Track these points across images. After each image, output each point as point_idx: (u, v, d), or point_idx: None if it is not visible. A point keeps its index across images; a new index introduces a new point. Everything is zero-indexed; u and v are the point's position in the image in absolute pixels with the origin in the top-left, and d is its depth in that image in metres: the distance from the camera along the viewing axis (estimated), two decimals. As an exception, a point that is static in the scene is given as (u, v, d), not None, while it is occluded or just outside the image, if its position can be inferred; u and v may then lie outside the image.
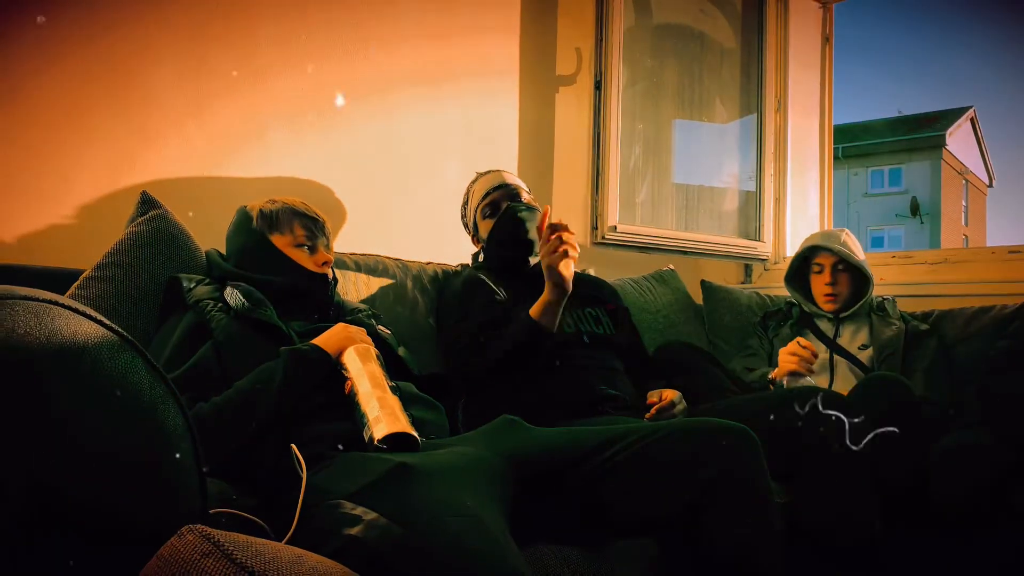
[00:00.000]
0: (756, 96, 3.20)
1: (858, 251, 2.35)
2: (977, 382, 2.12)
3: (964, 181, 24.71)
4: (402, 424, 1.16)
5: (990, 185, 26.93)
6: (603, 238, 2.72)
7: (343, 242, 1.96)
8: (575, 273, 2.07)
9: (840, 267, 2.31)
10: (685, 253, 2.93)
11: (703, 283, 2.74)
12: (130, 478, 0.84)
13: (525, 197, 1.93)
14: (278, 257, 1.50)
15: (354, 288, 1.81)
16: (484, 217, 1.91)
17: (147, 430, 0.87)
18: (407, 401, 1.34)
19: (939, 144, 23.08)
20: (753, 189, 3.21)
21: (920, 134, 23.44)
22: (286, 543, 0.93)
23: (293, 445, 1.09)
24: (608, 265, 2.66)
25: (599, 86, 2.71)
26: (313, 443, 1.19)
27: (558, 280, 1.63)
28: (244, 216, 1.55)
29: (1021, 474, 1.71)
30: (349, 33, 2.13)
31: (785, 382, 2.00)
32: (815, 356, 1.96)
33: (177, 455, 0.90)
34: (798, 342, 1.99)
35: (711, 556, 1.11)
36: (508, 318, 1.76)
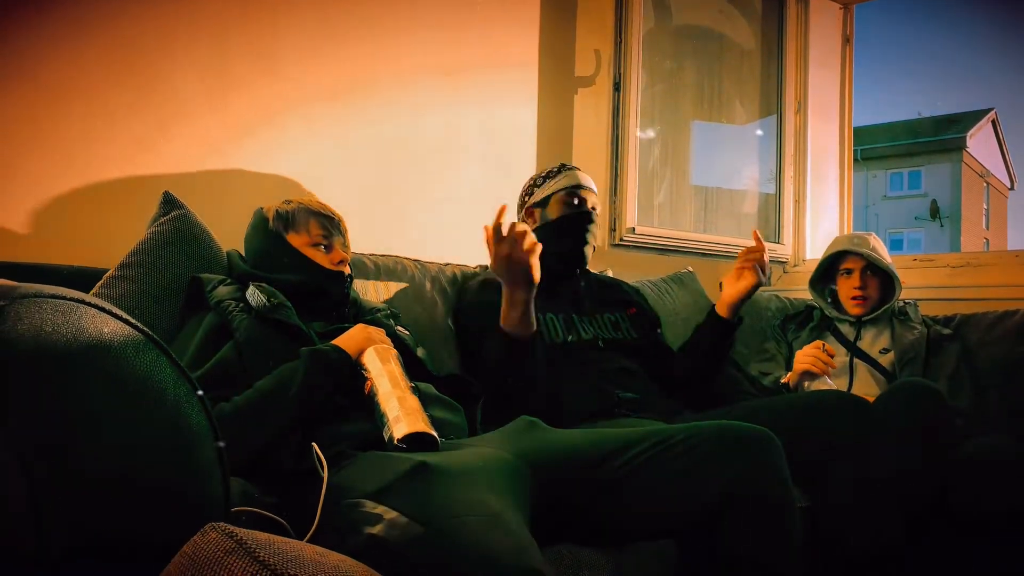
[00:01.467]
0: (776, 97, 3.18)
1: (885, 255, 2.34)
2: (1000, 387, 2.10)
3: (985, 184, 24.43)
4: (422, 424, 1.16)
5: (1012, 188, 26.61)
6: (621, 240, 2.71)
7: (361, 243, 1.96)
8: (595, 275, 2.08)
9: (869, 271, 2.30)
10: (704, 255, 2.92)
11: (721, 285, 2.72)
12: (155, 475, 0.84)
13: (596, 218, 1.94)
14: (295, 256, 1.51)
15: (373, 289, 1.81)
16: (564, 202, 1.91)
17: (172, 427, 0.87)
18: (426, 402, 1.34)
19: (960, 146, 22.85)
20: (772, 191, 3.18)
21: (940, 136, 23.20)
22: (307, 542, 0.94)
23: (314, 444, 1.10)
24: (626, 267, 2.65)
25: (618, 87, 2.71)
26: (334, 443, 1.19)
27: (524, 274, 1.54)
28: (260, 218, 1.56)
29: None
30: (366, 30, 2.14)
31: (803, 384, 1.99)
32: (832, 359, 1.95)
33: (201, 453, 0.90)
34: (820, 346, 1.98)
35: (729, 561, 1.10)
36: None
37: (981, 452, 1.73)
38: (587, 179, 1.96)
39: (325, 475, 1.03)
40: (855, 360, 2.29)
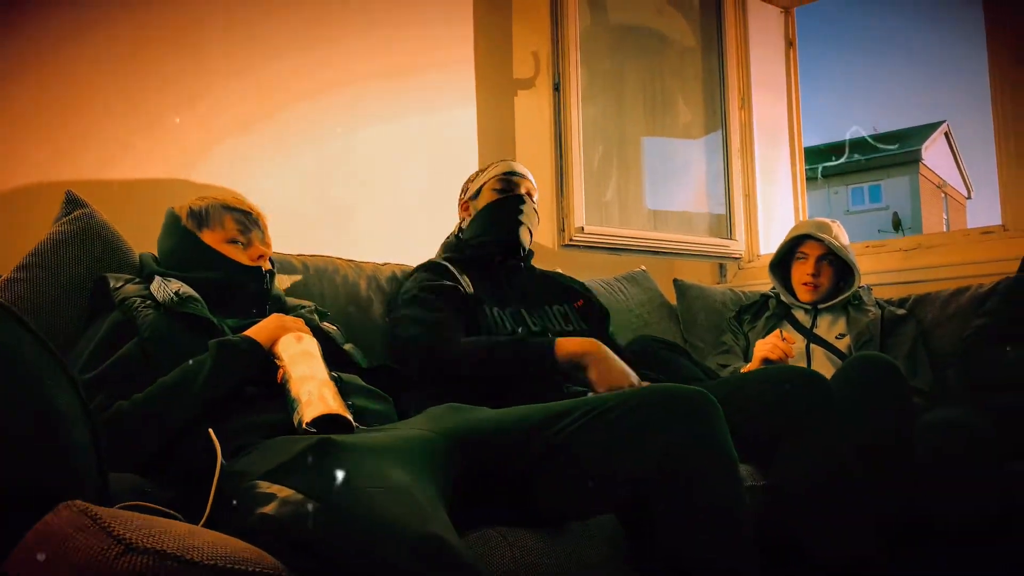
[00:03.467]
0: (719, 94, 3.18)
1: (846, 244, 2.32)
2: (957, 364, 2.07)
3: (943, 194, 24.95)
4: (335, 406, 1.08)
5: (968, 197, 27.20)
6: (571, 240, 2.67)
7: (297, 246, 1.89)
8: (542, 272, 2.03)
9: (826, 258, 2.27)
10: (656, 253, 2.88)
11: (676, 282, 2.69)
12: (9, 452, 0.76)
13: (532, 203, 1.91)
14: (209, 253, 1.44)
15: (304, 289, 1.73)
16: (494, 189, 1.87)
17: (33, 404, 0.79)
18: (350, 391, 1.27)
19: (916, 159, 23.35)
20: (722, 187, 3.17)
21: (896, 150, 23.72)
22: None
23: (210, 430, 1.01)
24: (577, 268, 2.59)
25: (558, 88, 2.68)
26: (244, 434, 1.12)
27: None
28: (172, 216, 1.50)
29: (1003, 446, 1.65)
30: (302, 33, 2.10)
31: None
32: (790, 354, 1.95)
33: (70, 435, 0.82)
34: (779, 335, 1.95)
35: (670, 532, 1.03)
36: (475, 312, 1.70)
37: (940, 419, 1.68)
38: (520, 167, 1.92)
39: (219, 459, 0.95)
40: (811, 346, 2.26)
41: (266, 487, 0.84)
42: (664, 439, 1.05)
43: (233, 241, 1.46)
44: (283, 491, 0.81)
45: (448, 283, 1.73)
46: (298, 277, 1.79)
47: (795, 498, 1.44)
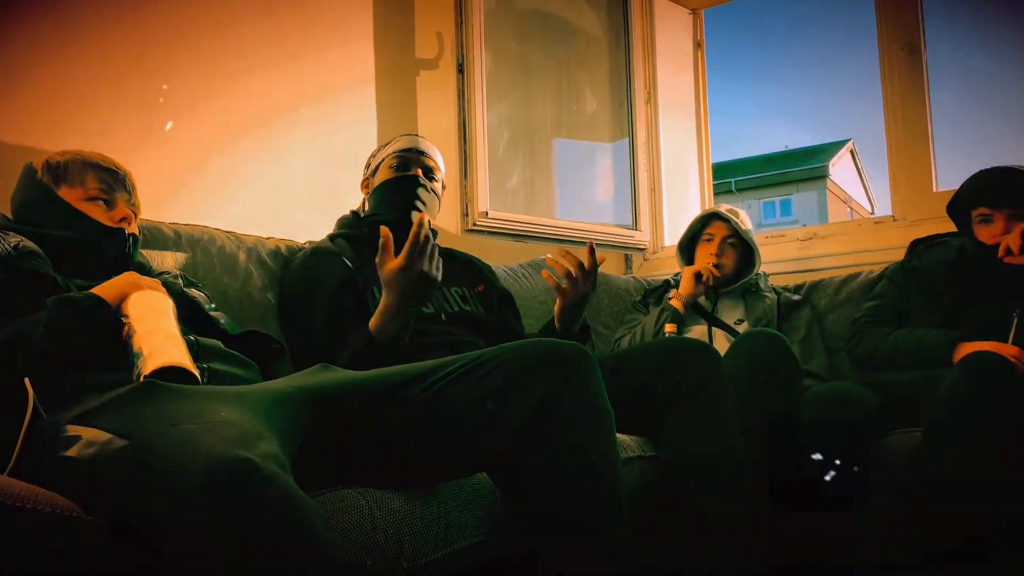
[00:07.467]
0: (626, 87, 3.19)
1: (751, 231, 2.38)
2: (847, 344, 2.12)
3: (849, 209, 26.15)
4: (177, 357, 0.99)
5: (872, 212, 28.60)
6: (474, 224, 2.61)
7: (167, 215, 1.78)
8: (448, 249, 1.97)
9: (730, 240, 2.31)
10: (562, 241, 2.85)
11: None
12: None
13: (434, 183, 1.81)
14: (66, 210, 1.33)
15: (173, 261, 1.62)
16: (390, 166, 1.78)
17: None
18: (209, 354, 1.17)
19: (823, 175, 24.43)
20: (628, 178, 3.18)
21: (805, 166, 24.76)
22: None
23: (26, 379, 0.91)
24: (481, 253, 2.52)
25: (462, 70, 2.63)
26: (86, 393, 1.01)
27: (424, 294, 1.45)
28: (28, 170, 1.38)
29: (889, 417, 1.68)
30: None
31: (663, 332, 2.12)
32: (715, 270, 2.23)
33: None
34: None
35: (543, 479, 0.98)
36: (362, 302, 1.62)
37: (825, 390, 1.71)
38: (423, 143, 1.84)
39: (30, 405, 0.85)
40: (713, 329, 2.29)
41: (73, 430, 0.75)
42: (538, 389, 1.01)
43: (94, 199, 1.35)
44: (88, 432, 0.73)
45: (324, 273, 1.66)
46: (184, 256, 1.68)
47: (683, 467, 1.42)
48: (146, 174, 1.51)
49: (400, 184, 1.77)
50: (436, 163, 1.84)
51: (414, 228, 1.37)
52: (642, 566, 1.05)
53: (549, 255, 2.66)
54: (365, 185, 1.86)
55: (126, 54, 1.88)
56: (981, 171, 1.95)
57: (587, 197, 3.11)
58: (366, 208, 1.84)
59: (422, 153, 1.82)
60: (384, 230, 1.40)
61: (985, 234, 1.87)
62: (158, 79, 1.94)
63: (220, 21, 2.08)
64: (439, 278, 1.42)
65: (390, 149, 1.82)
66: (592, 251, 1.69)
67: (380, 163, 1.82)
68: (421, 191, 1.77)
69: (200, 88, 2.02)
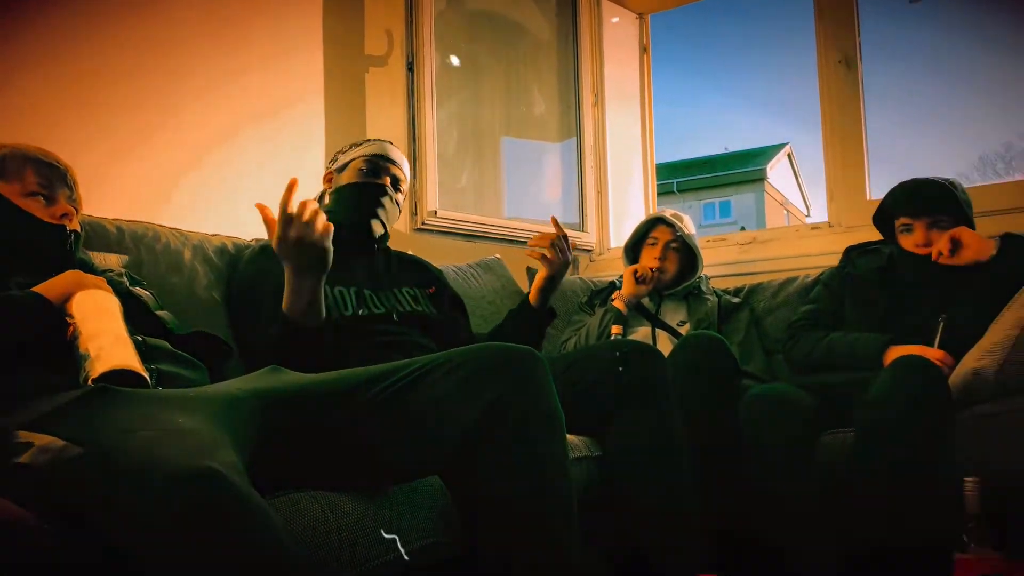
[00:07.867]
0: (574, 90, 3.23)
1: (694, 235, 2.45)
2: (784, 346, 2.19)
3: (785, 211, 26.89)
4: (127, 359, 0.97)
5: (808, 215, 29.47)
6: (423, 224, 2.62)
7: (109, 212, 1.73)
8: (397, 252, 1.96)
9: (673, 245, 2.37)
10: (511, 242, 2.88)
11: (529, 270, 2.70)
12: None
13: (398, 194, 1.82)
14: (3, 206, 1.28)
15: (116, 260, 1.58)
16: (359, 169, 1.77)
17: None
18: (157, 356, 1.16)
19: (761, 177, 25.03)
20: (576, 180, 3.22)
21: (744, 168, 25.35)
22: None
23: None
24: (430, 252, 2.53)
25: (411, 68, 2.63)
26: (31, 397, 0.98)
27: (317, 261, 1.39)
28: None
29: (823, 418, 1.75)
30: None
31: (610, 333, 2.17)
32: (655, 273, 2.28)
33: None
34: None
35: (494, 479, 1.00)
36: None
37: (763, 391, 1.77)
38: (395, 152, 1.84)
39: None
40: (656, 331, 2.34)
41: (25, 436, 0.73)
42: (491, 391, 1.02)
43: (33, 195, 1.31)
44: (42, 439, 0.72)
45: (274, 270, 1.63)
46: (126, 257, 1.64)
47: (629, 465, 1.46)
48: (87, 167, 1.46)
49: (366, 190, 1.76)
50: (404, 174, 1.85)
51: (283, 194, 1.34)
52: (591, 563, 1.08)
53: (497, 255, 2.70)
54: (328, 179, 1.85)
55: (76, 54, 1.83)
56: (900, 183, 2.05)
57: (535, 197, 3.14)
58: (326, 201, 1.82)
59: (393, 162, 1.82)
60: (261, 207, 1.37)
61: (908, 242, 1.97)
62: (100, 78, 1.88)
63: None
64: (327, 245, 1.38)
65: (362, 151, 1.81)
66: (556, 223, 1.87)
67: (350, 162, 1.81)
68: (386, 200, 1.77)
69: (143, 79, 1.97)
